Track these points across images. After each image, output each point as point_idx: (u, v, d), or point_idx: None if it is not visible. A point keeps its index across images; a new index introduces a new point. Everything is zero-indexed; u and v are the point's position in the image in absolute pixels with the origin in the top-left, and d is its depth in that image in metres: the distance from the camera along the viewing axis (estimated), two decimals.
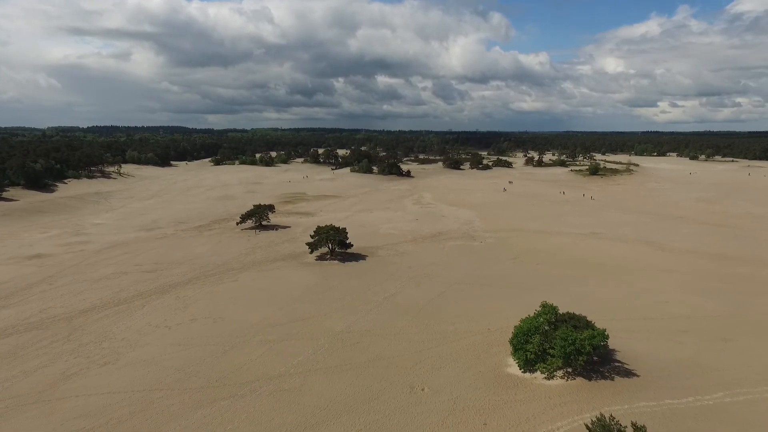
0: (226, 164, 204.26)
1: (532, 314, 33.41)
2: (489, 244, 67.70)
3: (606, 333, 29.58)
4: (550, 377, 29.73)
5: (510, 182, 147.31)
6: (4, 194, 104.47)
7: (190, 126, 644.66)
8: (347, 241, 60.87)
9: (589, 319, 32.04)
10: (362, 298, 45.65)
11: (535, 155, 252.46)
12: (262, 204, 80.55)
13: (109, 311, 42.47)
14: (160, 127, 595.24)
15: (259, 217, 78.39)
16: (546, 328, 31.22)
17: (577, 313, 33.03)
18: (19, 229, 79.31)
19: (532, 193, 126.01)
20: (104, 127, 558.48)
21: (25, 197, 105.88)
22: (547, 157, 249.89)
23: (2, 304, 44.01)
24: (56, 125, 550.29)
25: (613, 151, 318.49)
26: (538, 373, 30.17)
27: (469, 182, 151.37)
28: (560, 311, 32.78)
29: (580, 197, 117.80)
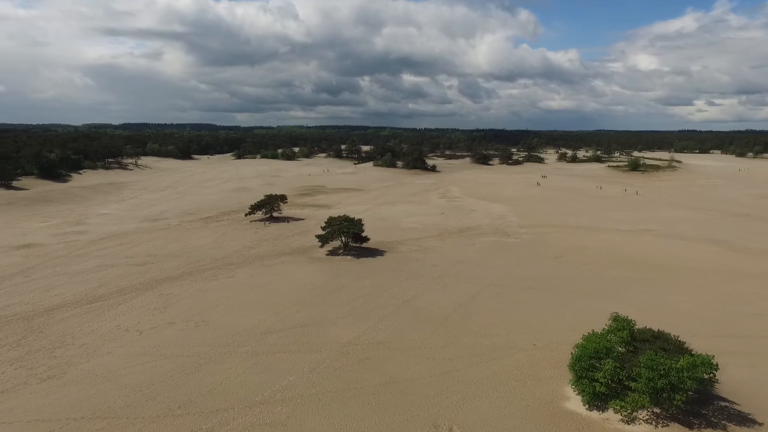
0: (247, 158, 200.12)
1: (591, 326, 25.27)
2: (526, 241, 59.11)
3: (714, 362, 20.97)
4: (629, 420, 21.29)
5: (544, 177, 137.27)
6: (16, 183, 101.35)
7: (218, 124, 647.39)
8: (363, 234, 53.39)
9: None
10: (377, 301, 38.02)
11: (568, 151, 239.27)
12: (273, 194, 73.96)
13: (78, 310, 36.07)
14: (188, 124, 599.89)
15: (270, 208, 71.70)
16: (620, 349, 22.95)
17: (652, 327, 24.71)
18: (20, 218, 74.85)
19: (569, 187, 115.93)
20: (136, 124, 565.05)
21: (36, 186, 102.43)
22: (581, 153, 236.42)
23: None
24: (90, 122, 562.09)
25: (650, 149, 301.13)
26: (611, 412, 21.86)
27: (499, 177, 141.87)
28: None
29: (622, 192, 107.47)
